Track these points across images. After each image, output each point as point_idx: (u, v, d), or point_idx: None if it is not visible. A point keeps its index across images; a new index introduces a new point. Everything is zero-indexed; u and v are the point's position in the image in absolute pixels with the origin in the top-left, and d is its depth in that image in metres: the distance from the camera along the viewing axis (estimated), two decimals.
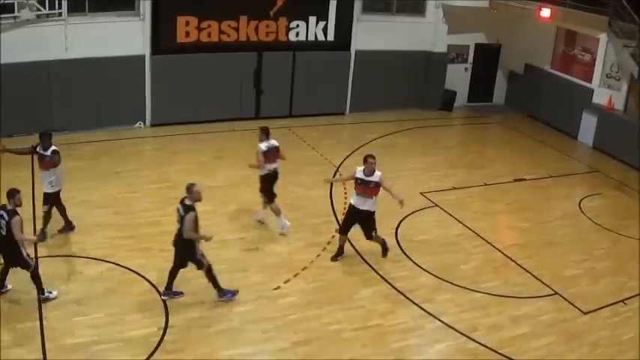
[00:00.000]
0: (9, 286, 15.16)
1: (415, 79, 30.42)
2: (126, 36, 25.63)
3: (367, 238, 16.64)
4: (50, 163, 17.04)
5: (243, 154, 23.46)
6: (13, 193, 14.31)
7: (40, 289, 14.67)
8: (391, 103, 29.90)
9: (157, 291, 15.19)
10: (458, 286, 16.02)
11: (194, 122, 26.49)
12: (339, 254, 16.90)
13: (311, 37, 27.89)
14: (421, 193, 21.10)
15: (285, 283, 15.55)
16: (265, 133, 18.11)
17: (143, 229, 18.18)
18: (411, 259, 17.05)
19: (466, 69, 32.00)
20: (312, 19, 27.66)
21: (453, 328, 14.36)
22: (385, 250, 17.15)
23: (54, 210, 17.46)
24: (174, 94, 26.31)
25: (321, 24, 27.83)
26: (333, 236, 17.70)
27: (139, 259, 16.56)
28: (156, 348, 13.30)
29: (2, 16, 23.87)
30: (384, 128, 27.46)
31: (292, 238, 17.68)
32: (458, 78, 31.62)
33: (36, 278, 14.58)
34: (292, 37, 27.48)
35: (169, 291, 15.03)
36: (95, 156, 23.34)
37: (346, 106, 29.52)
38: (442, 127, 29.17)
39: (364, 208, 16.19)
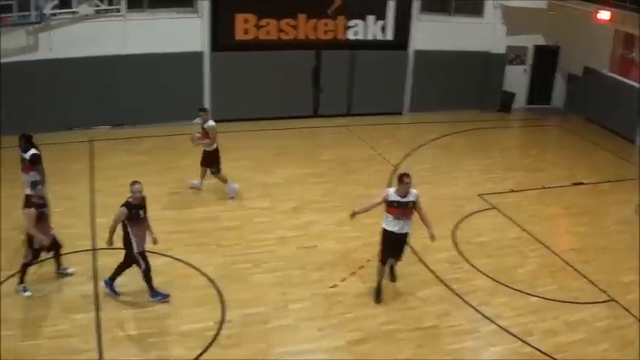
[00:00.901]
0: (70, 270, 15.63)
1: (473, 80, 30.17)
2: (184, 33, 25.96)
3: (397, 261, 15.23)
4: (28, 166, 16.89)
5: (302, 152, 23.63)
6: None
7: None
8: (449, 103, 29.71)
9: (214, 286, 15.32)
10: (514, 289, 15.86)
11: (252, 119, 26.60)
12: (380, 292, 15.08)
13: (369, 36, 27.84)
14: (479, 195, 20.94)
15: (341, 281, 15.55)
16: (206, 111, 20.20)
17: (201, 224, 18.34)
18: (467, 261, 16.94)
19: (524, 70, 31.69)
20: (371, 18, 27.61)
21: (509, 332, 14.21)
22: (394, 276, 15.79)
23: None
24: (233, 91, 26.49)
25: (380, 23, 27.77)
26: None
27: (197, 254, 16.73)
28: (211, 342, 13.42)
29: (61, 11, 24.30)
30: (441, 129, 27.33)
31: (349, 237, 17.65)
32: (516, 79, 31.31)
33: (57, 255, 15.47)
34: (351, 35, 27.47)
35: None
36: (153, 151, 23.59)
37: (404, 105, 29.42)
38: (500, 129, 28.92)
39: (404, 231, 14.65)
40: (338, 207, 19.29)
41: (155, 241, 14.78)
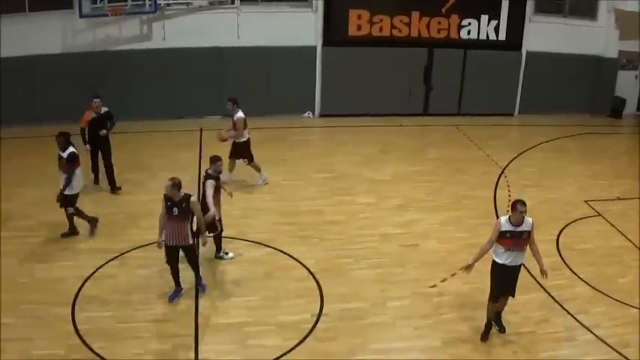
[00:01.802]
0: (230, 254, 16.33)
1: (585, 83, 29.32)
2: (298, 27, 26.24)
3: (512, 297, 13.59)
4: (64, 165, 16.72)
5: (409, 149, 23.56)
6: (213, 159, 15.52)
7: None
8: (560, 106, 29.08)
9: (314, 279, 15.45)
10: (614, 299, 15.42)
11: (362, 115, 26.67)
12: (488, 331, 13.79)
13: (482, 36, 27.55)
14: (585, 201, 20.54)
15: (441, 281, 15.45)
16: (236, 103, 20.02)
17: (305, 217, 18.49)
18: (569, 268, 16.64)
19: (636, 76, 30.91)
20: (484, 18, 27.29)
21: (605, 342, 13.82)
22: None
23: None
24: (344, 86, 26.58)
25: (493, 23, 27.40)
26: None
27: (299, 246, 16.88)
28: (307, 334, 13.53)
29: (175, 1, 24.87)
30: (551, 132, 26.82)
31: (452, 237, 17.53)
32: (628, 85, 30.40)
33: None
34: (464, 34, 27.25)
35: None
36: (263, 142, 23.79)
37: (515, 107, 29.03)
38: (610, 135, 28.17)
39: (516, 264, 13.23)
40: (443, 206, 19.21)
41: (204, 243, 14.66)
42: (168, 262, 14.34)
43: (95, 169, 19.95)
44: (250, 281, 15.41)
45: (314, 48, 26.47)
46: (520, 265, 13.30)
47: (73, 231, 17.41)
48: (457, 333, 13.77)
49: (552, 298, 15.17)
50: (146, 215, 17.31)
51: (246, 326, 13.79)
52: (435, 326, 13.95)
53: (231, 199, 16.99)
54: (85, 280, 15.34)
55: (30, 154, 22.51)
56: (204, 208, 15.14)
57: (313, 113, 27.21)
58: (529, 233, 12.93)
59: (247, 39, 25.87)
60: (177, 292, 14.64)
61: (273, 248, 16.84)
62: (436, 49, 27.07)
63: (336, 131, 25.57)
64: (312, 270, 15.82)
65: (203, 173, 15.86)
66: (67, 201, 16.84)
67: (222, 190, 15.92)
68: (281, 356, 12.90)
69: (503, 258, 13.01)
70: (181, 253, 14.33)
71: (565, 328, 14.18)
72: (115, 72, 25.47)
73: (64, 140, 16.67)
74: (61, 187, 16.66)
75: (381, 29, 26.45)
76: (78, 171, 16.87)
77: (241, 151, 20.29)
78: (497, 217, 18.31)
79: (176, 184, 13.79)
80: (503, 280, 13.20)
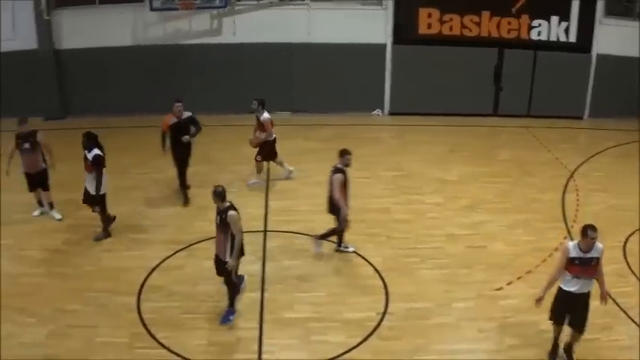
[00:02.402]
0: (351, 248, 16.42)
1: None
2: (368, 24, 26.24)
3: (580, 334, 12.82)
4: (89, 166, 16.65)
5: (478, 150, 23.37)
6: (342, 153, 15.62)
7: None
8: (630, 110, 28.54)
9: (380, 277, 15.42)
10: None
11: (431, 114, 26.52)
12: (555, 351, 13.15)
13: (552, 37, 27.14)
14: None
15: (507, 284, 15.25)
16: (262, 104, 20.01)
17: (373, 215, 18.42)
18: (635, 275, 16.33)
19: None
20: (554, 19, 26.90)
21: None
22: None
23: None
24: (413, 85, 26.49)
25: (563, 24, 26.96)
26: (561, 243, 16.93)
27: (366, 244, 16.86)
28: (372, 332, 13.52)
29: None
30: (621, 136, 26.28)
31: (519, 240, 17.31)
32: None
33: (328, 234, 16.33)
34: (534, 35, 26.91)
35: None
36: (332, 139, 23.88)
37: (585, 110, 28.59)
38: None
39: (584, 291, 12.48)
40: (511, 209, 19.03)
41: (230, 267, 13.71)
42: (217, 274, 13.98)
43: (179, 169, 19.27)
44: (316, 277, 15.49)
45: (384, 46, 26.42)
46: (588, 293, 12.49)
47: (108, 222, 17.50)
48: (521, 337, 13.60)
49: (617, 305, 14.87)
50: (214, 208, 17.46)
51: (310, 322, 13.84)
52: (500, 329, 13.80)
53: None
54: (152, 271, 15.64)
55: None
56: (333, 203, 15.56)
57: (382, 111, 27.15)
58: (598, 260, 12.21)
59: (317, 35, 25.98)
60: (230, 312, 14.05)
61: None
62: (506, 49, 26.81)
63: (405, 130, 25.50)
64: (378, 268, 15.79)
65: (331, 167, 15.87)
66: (96, 201, 16.91)
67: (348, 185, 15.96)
68: (344, 353, 12.92)
69: (570, 285, 12.35)
70: None
71: (629, 337, 13.86)
72: (185, 66, 25.85)
73: (89, 140, 16.62)
74: (90, 188, 16.79)
75: (451, 28, 26.28)
76: (104, 172, 16.73)
77: (267, 150, 20.35)
78: (565, 222, 18.34)
79: (218, 193, 13.40)
80: (568, 308, 12.60)
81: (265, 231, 17.59)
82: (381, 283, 15.22)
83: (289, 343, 13.29)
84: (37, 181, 18.01)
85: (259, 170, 20.64)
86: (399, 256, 16.45)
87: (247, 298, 14.53)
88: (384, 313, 14.17)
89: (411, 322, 13.91)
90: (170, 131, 18.64)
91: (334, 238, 16.55)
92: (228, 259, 13.40)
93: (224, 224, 13.28)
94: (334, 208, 15.75)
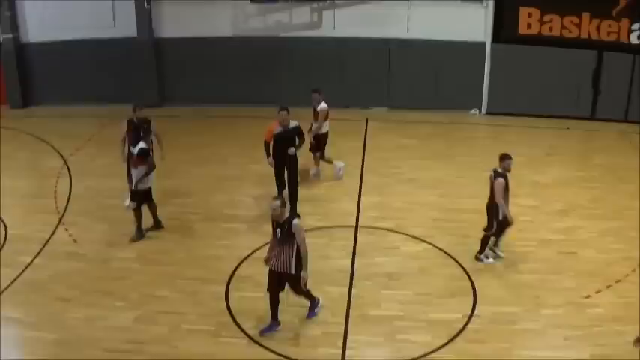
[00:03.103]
0: (501, 253, 16.37)
1: None
2: (468, 22, 26.04)
3: None
4: (137, 160, 16.57)
5: (574, 154, 23.06)
6: (503, 157, 15.58)
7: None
8: None
9: (469, 279, 15.37)
10: None
11: (528, 115, 26.22)
12: None
13: None
14: None
15: (596, 292, 14.99)
16: (320, 93, 19.83)
17: (466, 215, 18.24)
18: None
19: None
20: None
21: None
22: None
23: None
24: (511, 85, 26.21)
25: None
26: None
27: (457, 245, 16.78)
28: (457, 334, 13.48)
29: None
30: None
31: (610, 248, 16.95)
32: None
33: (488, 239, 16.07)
34: (633, 39, 26.31)
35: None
36: (428, 136, 23.93)
37: None
38: None
39: None
40: (603, 215, 18.72)
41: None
42: (268, 288, 13.30)
43: (280, 186, 18.23)
44: (405, 275, 15.51)
45: (483, 44, 26.23)
46: None
47: (158, 224, 17.49)
48: (607, 347, 13.35)
49: None
50: (308, 201, 17.69)
51: (396, 320, 13.89)
52: (586, 338, 13.58)
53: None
54: (242, 260, 15.95)
55: (198, 133, 23.28)
56: (493, 208, 15.50)
57: (480, 110, 27.00)
58: None
59: (416, 32, 25.96)
60: (272, 327, 13.50)
61: (431, 244, 16.87)
62: (605, 52, 26.33)
63: (502, 130, 25.29)
64: (467, 269, 15.75)
65: (490, 172, 15.76)
66: (138, 196, 16.84)
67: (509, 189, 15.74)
68: (428, 353, 12.93)
69: None
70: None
71: None
72: (284, 58, 26.15)
73: (136, 135, 16.77)
74: (136, 181, 16.70)
75: (550, 29, 25.89)
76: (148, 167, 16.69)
77: (320, 143, 20.19)
78: None
79: (281, 205, 12.82)
80: None
81: (357, 226, 17.71)
82: (469, 284, 15.17)
83: (374, 340, 13.39)
84: None
85: (317, 162, 20.59)
86: None
87: (336, 292, 14.64)
88: (471, 315, 14.11)
89: (497, 325, 13.83)
90: (274, 141, 17.73)
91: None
92: (294, 271, 12.96)
93: (288, 235, 12.74)
94: (493, 211, 15.62)
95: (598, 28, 25.78)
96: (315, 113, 20.07)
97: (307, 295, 13.61)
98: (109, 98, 26.14)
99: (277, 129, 17.48)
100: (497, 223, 15.60)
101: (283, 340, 13.24)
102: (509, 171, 15.50)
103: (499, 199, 15.27)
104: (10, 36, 26.45)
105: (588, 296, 14.87)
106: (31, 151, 23.04)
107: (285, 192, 17.95)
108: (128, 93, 24.53)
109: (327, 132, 20.22)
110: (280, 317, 13.52)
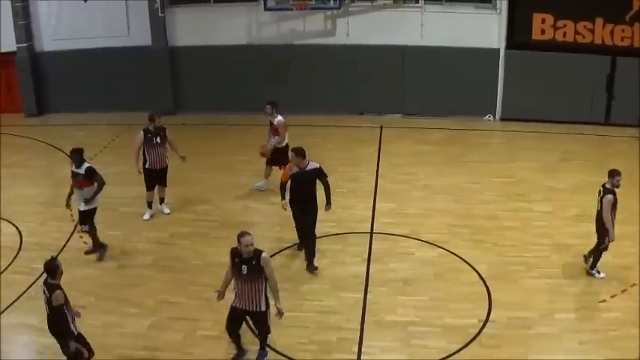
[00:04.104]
0: (602, 274, 15.87)
1: None
2: (481, 28, 26.05)
3: None
4: (83, 181, 16.03)
5: (589, 159, 22.91)
6: (612, 173, 15.39)
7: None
8: None
9: (484, 284, 15.35)
10: None
11: (542, 121, 26.13)
12: None
13: None
14: None
15: (611, 297, 14.95)
16: (275, 107, 19.27)
17: (480, 221, 18.36)
18: None
19: None
20: None
21: None
22: None
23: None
24: (526, 91, 26.10)
25: None
26: None
27: (472, 250, 16.82)
28: (472, 339, 13.48)
29: None
30: None
31: (626, 253, 16.80)
32: None
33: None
34: None
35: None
36: (442, 143, 23.92)
37: None
38: None
39: None
40: (619, 220, 18.38)
41: None
42: (228, 326, 12.54)
43: (298, 230, 16.62)
44: (420, 281, 15.54)
45: (497, 50, 26.16)
46: None
47: (97, 247, 16.79)
48: (623, 351, 13.30)
49: None
50: (321, 207, 17.62)
51: (411, 325, 13.91)
52: (601, 342, 13.54)
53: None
54: None
55: (212, 140, 23.41)
56: (602, 226, 15.27)
57: (494, 116, 26.93)
58: None
59: (430, 38, 25.95)
60: (239, 356, 12.99)
61: (446, 250, 16.89)
62: (619, 57, 26.20)
63: (517, 136, 25.22)
64: (482, 275, 15.74)
65: (600, 188, 15.66)
66: (84, 217, 16.33)
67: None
68: (444, 359, 12.94)
69: None
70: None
71: None
72: (298, 65, 26.21)
73: (79, 156, 16.33)
74: (83, 201, 16.14)
75: (564, 34, 25.79)
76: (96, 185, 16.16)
77: (281, 157, 19.38)
78: None
79: (250, 243, 11.84)
80: None
81: (372, 233, 17.72)
82: (484, 290, 15.17)
83: (389, 346, 13.41)
84: (159, 176, 18.44)
85: (267, 175, 20.15)
86: (505, 264, 16.32)
87: (351, 299, 14.67)
88: (486, 320, 14.10)
89: (513, 331, 13.81)
90: (291, 182, 15.97)
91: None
92: (264, 308, 12.26)
93: (257, 270, 11.91)
94: (601, 228, 15.41)
95: (612, 33, 25.65)
96: (273, 127, 19.65)
97: (266, 337, 12.74)
98: (123, 106, 26.27)
99: (294, 169, 15.82)
100: (607, 238, 15.32)
101: (298, 346, 13.29)
102: (618, 187, 15.33)
103: (607, 216, 15.09)
104: (25, 45, 26.58)
105: (604, 300, 14.85)
106: (46, 159, 23.19)
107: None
108: (142, 101, 24.68)
109: (287, 144, 19.48)
110: (294, 323, 13.60)
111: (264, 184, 20.16)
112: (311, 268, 15.85)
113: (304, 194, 15.74)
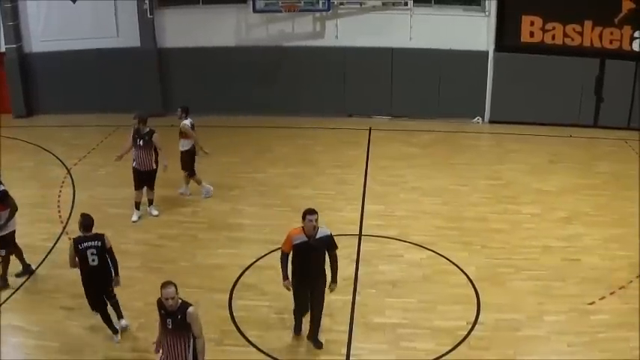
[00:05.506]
0: None
1: None
2: (470, 31, 26.11)
3: None
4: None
5: (577, 161, 22.98)
6: None
7: None
8: None
9: (473, 286, 15.35)
10: None
11: (531, 123, 26.19)
12: None
13: None
14: None
15: (600, 299, 14.96)
16: (185, 112, 19.12)
17: (469, 223, 18.39)
18: None
19: None
20: None
21: None
22: None
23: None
24: (514, 93, 26.15)
25: None
26: None
27: (460, 252, 16.81)
28: (461, 341, 13.48)
29: (349, 1, 25.37)
30: None
31: (615, 255, 16.88)
32: None
33: None
34: (635, 47, 26.23)
35: None
36: (431, 145, 23.96)
37: None
38: None
39: None
40: (608, 222, 18.69)
41: None
42: None
43: (299, 310, 13.56)
44: (408, 283, 15.53)
45: (486, 53, 26.22)
46: None
47: (26, 270, 15.90)
48: (611, 353, 13.32)
49: None
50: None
51: (400, 327, 13.91)
52: (590, 344, 13.55)
53: None
54: (246, 269, 16.00)
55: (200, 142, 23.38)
56: None
57: (483, 119, 26.97)
58: None
59: (419, 41, 25.99)
60: None
61: (434, 252, 16.87)
62: (608, 59, 26.27)
63: (505, 138, 25.26)
64: (471, 277, 15.73)
65: None
66: (5, 241, 15.17)
67: None
68: None
69: None
70: None
71: None
72: (287, 67, 26.22)
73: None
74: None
75: (553, 37, 25.84)
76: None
77: (186, 161, 19.48)
78: None
79: (173, 295, 10.73)
80: None
81: (360, 235, 17.72)
82: (473, 292, 15.17)
83: (378, 348, 13.40)
84: (146, 179, 18.34)
85: (188, 181, 19.97)
86: (493, 266, 16.32)
87: (339, 301, 14.60)
88: (475, 322, 14.11)
89: (501, 332, 13.82)
90: (294, 252, 12.85)
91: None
92: None
93: (182, 326, 10.70)
94: None
95: (600, 36, 25.73)
96: (180, 131, 19.37)
97: None
98: (112, 107, 26.22)
99: (299, 238, 12.72)
100: None
101: (287, 348, 13.29)
102: None
103: None
104: (14, 45, 26.48)
105: (592, 303, 14.85)
106: (35, 160, 23.08)
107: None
108: (131, 102, 24.57)
109: (190, 149, 19.37)
110: (283, 325, 13.65)
111: (185, 190, 20.06)
112: (317, 345, 13.34)
113: (315, 268, 12.93)
